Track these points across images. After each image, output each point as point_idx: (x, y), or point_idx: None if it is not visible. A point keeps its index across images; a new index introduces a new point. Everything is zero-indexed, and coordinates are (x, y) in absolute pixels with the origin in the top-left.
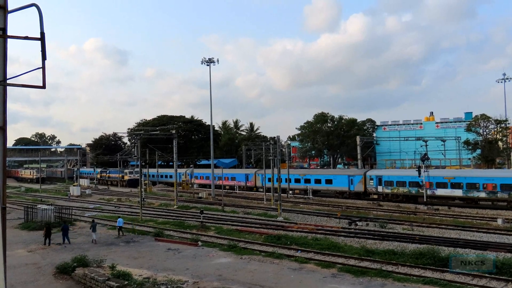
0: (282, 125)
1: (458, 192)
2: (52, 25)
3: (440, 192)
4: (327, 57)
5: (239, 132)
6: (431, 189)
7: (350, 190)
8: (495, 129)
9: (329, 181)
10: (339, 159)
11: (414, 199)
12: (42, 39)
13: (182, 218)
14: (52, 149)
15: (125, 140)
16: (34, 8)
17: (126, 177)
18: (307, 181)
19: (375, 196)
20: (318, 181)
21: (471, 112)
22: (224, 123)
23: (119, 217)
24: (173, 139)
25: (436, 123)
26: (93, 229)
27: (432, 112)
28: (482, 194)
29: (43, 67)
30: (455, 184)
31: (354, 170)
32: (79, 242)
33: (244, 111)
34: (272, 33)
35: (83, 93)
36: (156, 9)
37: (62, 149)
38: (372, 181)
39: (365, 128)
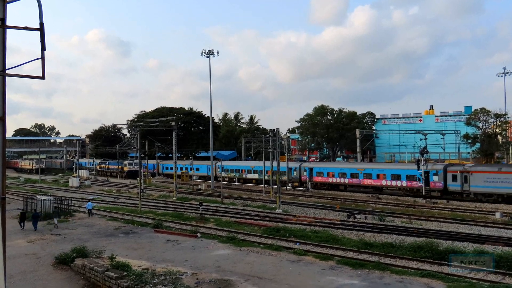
0: (283, 118)
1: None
2: (54, 15)
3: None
4: (331, 50)
5: (239, 124)
6: (241, 174)
7: (208, 175)
8: (495, 123)
9: (198, 169)
10: (339, 152)
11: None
12: (41, 29)
13: (181, 210)
14: (52, 140)
15: (125, 131)
16: None
17: (126, 169)
18: (197, 169)
19: (220, 179)
20: (197, 169)
21: (471, 106)
22: (225, 116)
23: (89, 200)
24: (173, 131)
25: (436, 116)
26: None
27: (432, 106)
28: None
29: (42, 58)
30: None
31: (211, 162)
32: (78, 233)
33: (246, 103)
34: (276, 26)
35: (85, 84)
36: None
37: (62, 140)
38: (219, 169)
39: (364, 121)
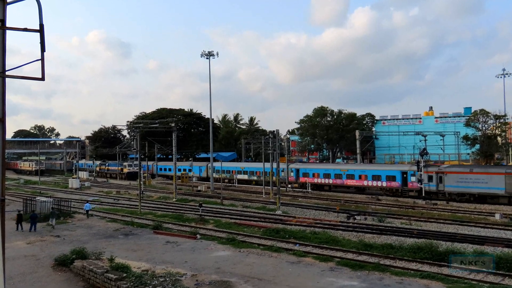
0: (283, 119)
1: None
2: (54, 16)
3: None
4: (331, 51)
5: (239, 126)
6: (231, 174)
7: (200, 175)
8: (494, 124)
9: (190, 170)
10: (338, 153)
11: (231, 181)
12: (41, 31)
13: (181, 211)
14: (51, 142)
15: (125, 133)
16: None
17: (125, 170)
18: (190, 170)
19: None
20: (190, 170)
21: (470, 107)
22: (224, 117)
23: (87, 201)
24: (173, 132)
25: (435, 118)
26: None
27: (432, 107)
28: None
29: (42, 59)
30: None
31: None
32: (78, 234)
33: (245, 105)
34: (276, 27)
35: (84, 85)
36: (160, 0)
37: (61, 142)
38: (209, 170)
39: (364, 122)
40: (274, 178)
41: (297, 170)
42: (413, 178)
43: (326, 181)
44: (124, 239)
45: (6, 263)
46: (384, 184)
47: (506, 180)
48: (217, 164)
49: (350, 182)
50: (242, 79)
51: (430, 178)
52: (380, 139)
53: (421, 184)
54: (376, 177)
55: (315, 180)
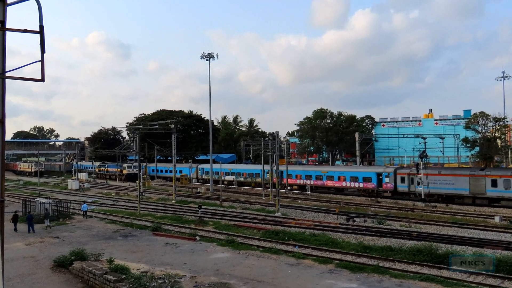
0: (283, 120)
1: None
2: (55, 17)
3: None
4: (331, 53)
5: (238, 127)
6: (220, 176)
7: (191, 177)
8: (494, 127)
9: (181, 171)
10: (338, 156)
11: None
12: (41, 32)
13: (180, 213)
14: (51, 143)
15: (124, 134)
16: (33, 1)
17: (125, 171)
18: (181, 171)
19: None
20: (181, 171)
21: (470, 110)
22: (224, 118)
23: (84, 202)
24: (172, 134)
25: (435, 120)
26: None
27: (431, 109)
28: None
29: (42, 61)
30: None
31: (210, 165)
32: (77, 236)
33: (245, 106)
34: (277, 28)
35: (84, 86)
36: (160, 2)
37: (61, 143)
38: (200, 171)
39: (364, 124)
40: (259, 179)
41: (281, 172)
42: (387, 180)
43: (308, 182)
44: (123, 241)
45: (5, 264)
46: (361, 185)
47: (470, 182)
48: (205, 166)
49: (330, 183)
50: (242, 81)
51: (402, 180)
52: (379, 141)
53: (421, 187)
54: (354, 179)
55: (298, 181)
